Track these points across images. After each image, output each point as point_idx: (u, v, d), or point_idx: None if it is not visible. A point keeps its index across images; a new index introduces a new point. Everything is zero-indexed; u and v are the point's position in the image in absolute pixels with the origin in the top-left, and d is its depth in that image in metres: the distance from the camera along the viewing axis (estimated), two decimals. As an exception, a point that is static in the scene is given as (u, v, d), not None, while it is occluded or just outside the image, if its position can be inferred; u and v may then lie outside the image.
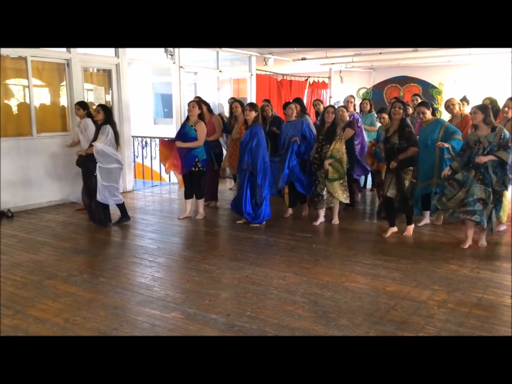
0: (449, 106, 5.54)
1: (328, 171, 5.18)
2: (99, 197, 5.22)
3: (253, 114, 5.25)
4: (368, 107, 7.19)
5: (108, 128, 5.18)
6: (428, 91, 11.56)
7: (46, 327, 2.96)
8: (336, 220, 5.51)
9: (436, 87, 11.66)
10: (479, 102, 5.04)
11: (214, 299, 3.39)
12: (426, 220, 5.43)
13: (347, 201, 5.45)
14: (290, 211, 5.99)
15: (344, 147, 5.29)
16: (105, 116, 5.23)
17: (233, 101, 6.58)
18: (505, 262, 4.19)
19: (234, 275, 3.88)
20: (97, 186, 5.20)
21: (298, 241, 4.84)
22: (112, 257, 4.38)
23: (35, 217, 5.85)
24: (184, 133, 5.52)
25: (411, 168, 4.74)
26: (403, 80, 12.12)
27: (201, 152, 5.56)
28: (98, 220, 5.37)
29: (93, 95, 7.15)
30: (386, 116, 5.52)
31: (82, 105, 6.00)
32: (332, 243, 4.97)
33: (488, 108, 4.47)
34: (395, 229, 5.02)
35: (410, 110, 5.92)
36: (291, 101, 6.10)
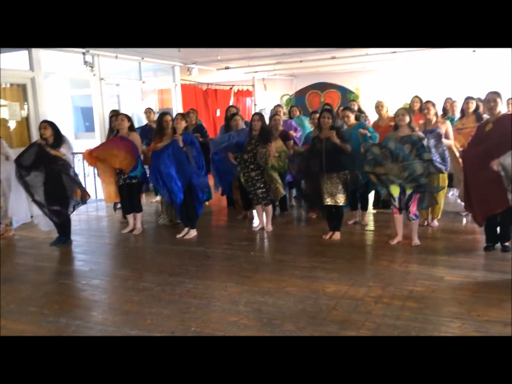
0: (378, 107, 5.94)
1: (272, 160, 5.23)
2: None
3: (183, 123, 5.33)
4: (298, 113, 7.40)
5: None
6: (346, 96, 12.14)
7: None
8: (269, 227, 5.52)
9: (353, 92, 12.27)
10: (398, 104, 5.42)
11: (156, 317, 3.29)
12: (355, 218, 5.70)
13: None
14: (243, 213, 6.23)
15: (282, 143, 5.44)
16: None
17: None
18: (430, 254, 4.48)
19: (174, 291, 3.79)
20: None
21: (236, 249, 4.85)
22: (41, 284, 4.10)
23: None
24: None
25: (345, 172, 4.90)
26: (323, 86, 12.63)
27: (139, 163, 5.43)
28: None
29: (7, 111, 6.69)
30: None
31: None
32: (269, 249, 5.04)
33: (411, 112, 4.79)
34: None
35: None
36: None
